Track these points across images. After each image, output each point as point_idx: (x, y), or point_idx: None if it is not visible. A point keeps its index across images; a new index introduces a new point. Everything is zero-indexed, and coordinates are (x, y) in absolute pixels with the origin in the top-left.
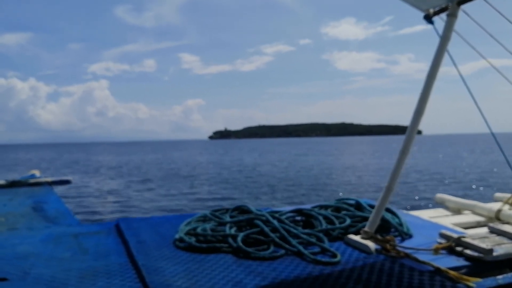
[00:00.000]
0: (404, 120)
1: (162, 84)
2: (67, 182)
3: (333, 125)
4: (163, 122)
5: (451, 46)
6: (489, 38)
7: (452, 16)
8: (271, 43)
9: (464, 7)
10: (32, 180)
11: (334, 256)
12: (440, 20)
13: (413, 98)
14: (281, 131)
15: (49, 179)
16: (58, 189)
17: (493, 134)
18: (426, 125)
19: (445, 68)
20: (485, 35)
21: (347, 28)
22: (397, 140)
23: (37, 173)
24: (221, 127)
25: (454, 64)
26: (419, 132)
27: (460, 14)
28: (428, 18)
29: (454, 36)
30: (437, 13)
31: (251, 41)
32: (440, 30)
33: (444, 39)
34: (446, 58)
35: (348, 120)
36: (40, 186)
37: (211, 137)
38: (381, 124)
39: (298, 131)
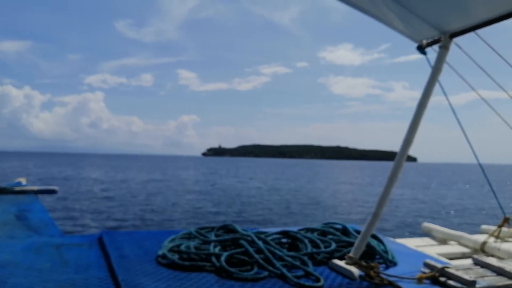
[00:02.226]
0: (399, 146)
1: (158, 99)
2: (53, 191)
3: (328, 148)
4: (157, 137)
5: (446, 76)
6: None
7: (444, 48)
8: (269, 64)
9: (457, 39)
10: (17, 188)
11: (318, 280)
12: (433, 51)
13: (407, 125)
14: (275, 151)
15: (35, 187)
16: (44, 199)
17: (480, 165)
18: (422, 153)
19: (440, 98)
20: (479, 66)
21: (344, 54)
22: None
23: (23, 181)
24: (214, 144)
25: (445, 95)
26: (414, 160)
27: (454, 44)
28: (421, 49)
29: (448, 66)
30: (430, 44)
31: (249, 61)
32: (433, 61)
33: (436, 70)
34: (439, 88)
35: (342, 143)
36: (25, 195)
37: (204, 154)
38: (376, 150)
39: (293, 152)
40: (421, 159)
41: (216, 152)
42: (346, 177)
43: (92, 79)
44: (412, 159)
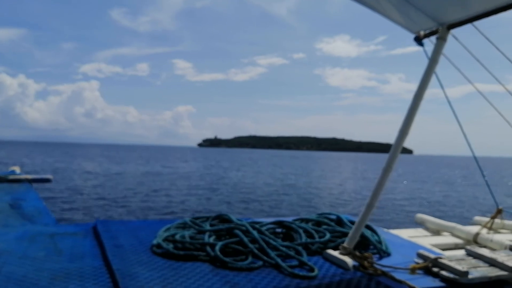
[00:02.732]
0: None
1: (153, 88)
2: (47, 180)
3: (324, 139)
4: (152, 127)
5: (442, 68)
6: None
7: (441, 40)
8: (265, 55)
9: (454, 31)
10: (11, 177)
11: (312, 270)
12: (430, 43)
13: (402, 117)
14: (272, 142)
15: (29, 176)
16: (38, 187)
17: (475, 157)
18: (418, 145)
19: (437, 90)
20: (476, 59)
21: (341, 45)
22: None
23: (17, 169)
24: (210, 135)
25: (441, 87)
26: (410, 152)
27: (451, 37)
28: (418, 40)
29: (445, 59)
30: (427, 35)
31: (246, 52)
32: (430, 53)
33: (433, 61)
34: (435, 81)
35: (337, 135)
36: (20, 183)
37: (200, 145)
38: (372, 142)
39: (289, 144)
40: (417, 151)
41: (212, 143)
42: (351, 170)
43: (87, 68)
44: (408, 151)
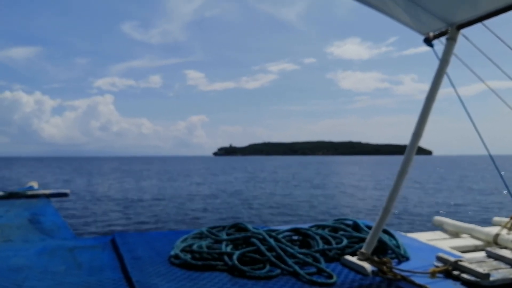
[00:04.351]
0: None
1: (167, 100)
2: (64, 194)
3: (340, 143)
4: (167, 138)
5: (456, 67)
6: (492, 60)
7: (451, 40)
8: (276, 61)
9: (465, 31)
10: (29, 192)
11: (330, 277)
12: (440, 43)
13: (416, 118)
14: (287, 148)
15: (47, 191)
16: (56, 202)
17: (490, 156)
18: (437, 146)
19: (452, 89)
20: (487, 57)
21: (352, 48)
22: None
23: (35, 185)
24: (223, 144)
25: (453, 87)
26: (430, 153)
27: (462, 36)
28: (428, 41)
29: (457, 58)
30: (436, 36)
31: (256, 59)
32: (440, 53)
33: (443, 62)
34: (448, 80)
35: (353, 138)
36: (38, 198)
37: (215, 154)
38: (390, 144)
39: (304, 149)
40: (436, 152)
41: (227, 151)
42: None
43: (101, 82)
44: (427, 152)
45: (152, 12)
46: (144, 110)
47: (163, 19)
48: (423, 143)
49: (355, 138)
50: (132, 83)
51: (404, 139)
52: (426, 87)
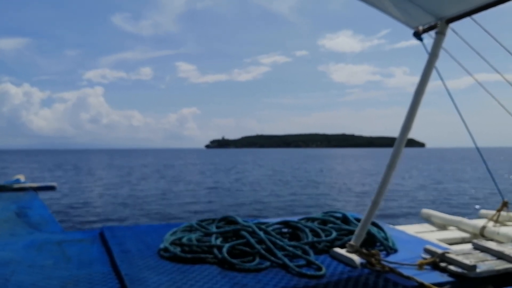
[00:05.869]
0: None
1: (158, 92)
2: (52, 188)
3: (334, 136)
4: (158, 130)
5: (446, 60)
6: (482, 53)
7: (440, 34)
8: (268, 54)
9: (454, 25)
10: (16, 185)
11: (319, 269)
12: (430, 37)
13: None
14: (280, 141)
15: (34, 184)
16: (43, 195)
17: (478, 149)
18: (430, 138)
19: (446, 82)
20: (475, 51)
21: (344, 41)
22: (404, 153)
23: (22, 178)
24: (215, 136)
25: (442, 80)
26: (423, 145)
27: (451, 29)
28: (418, 35)
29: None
30: (426, 30)
31: (248, 51)
32: (430, 47)
33: (432, 56)
34: (441, 73)
35: (345, 131)
36: (25, 192)
37: (207, 146)
38: (383, 136)
39: (298, 142)
40: (429, 144)
41: (219, 144)
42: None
43: (91, 74)
44: (420, 144)
45: (143, 4)
46: (134, 102)
47: (154, 11)
48: (416, 135)
49: (348, 131)
50: (123, 75)
51: (396, 131)
52: (417, 80)
